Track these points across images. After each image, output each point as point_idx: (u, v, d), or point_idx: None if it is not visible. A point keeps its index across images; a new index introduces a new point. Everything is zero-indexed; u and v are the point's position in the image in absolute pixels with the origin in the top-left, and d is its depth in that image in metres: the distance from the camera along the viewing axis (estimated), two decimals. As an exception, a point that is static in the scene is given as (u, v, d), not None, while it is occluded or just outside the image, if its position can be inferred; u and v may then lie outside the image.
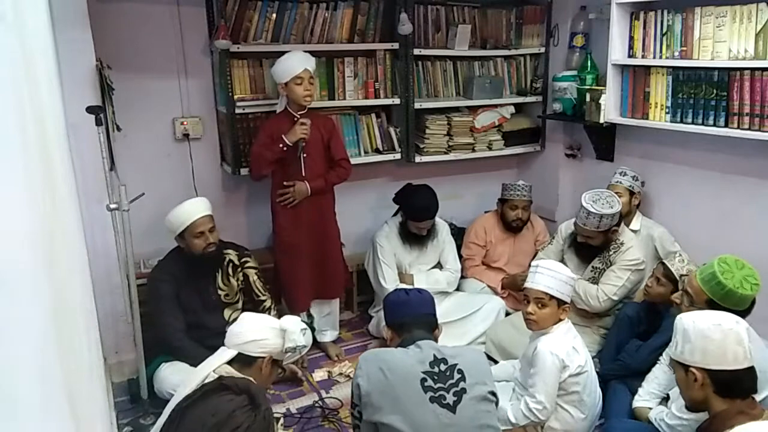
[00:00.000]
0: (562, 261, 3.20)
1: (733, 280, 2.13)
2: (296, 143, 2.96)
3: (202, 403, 1.36)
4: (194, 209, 2.81)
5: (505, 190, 3.62)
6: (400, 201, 3.43)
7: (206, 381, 1.88)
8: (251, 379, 1.78)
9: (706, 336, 1.75)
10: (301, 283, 3.17)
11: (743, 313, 2.10)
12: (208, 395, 1.38)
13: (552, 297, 2.35)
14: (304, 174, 3.03)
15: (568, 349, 2.34)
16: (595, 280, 3.07)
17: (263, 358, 2.03)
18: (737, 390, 1.75)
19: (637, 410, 2.44)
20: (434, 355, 1.92)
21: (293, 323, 2.09)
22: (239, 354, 2.04)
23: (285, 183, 3.03)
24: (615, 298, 2.98)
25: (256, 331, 2.05)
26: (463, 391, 1.88)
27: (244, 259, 3.01)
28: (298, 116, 2.98)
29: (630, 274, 2.97)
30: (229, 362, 2.02)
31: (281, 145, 2.93)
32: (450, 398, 1.87)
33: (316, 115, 3.09)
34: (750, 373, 1.76)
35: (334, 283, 3.32)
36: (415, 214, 3.34)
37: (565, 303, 2.39)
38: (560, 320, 2.39)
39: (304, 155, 3.00)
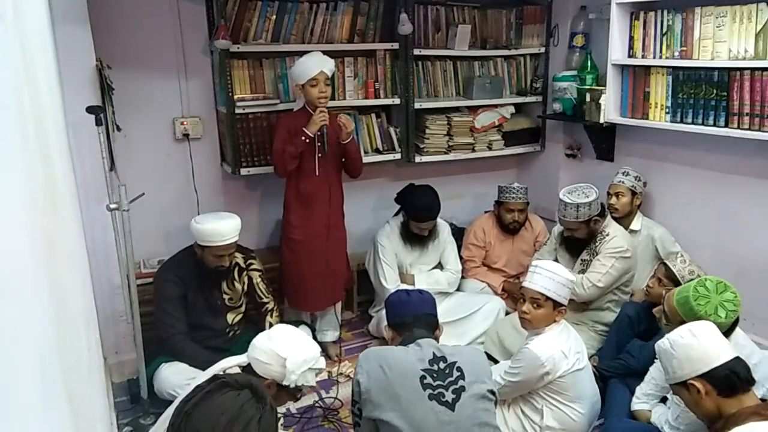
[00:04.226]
0: (556, 260, 3.21)
1: (706, 306, 2.10)
2: (316, 135, 2.96)
3: (206, 404, 1.33)
4: (226, 233, 2.75)
5: (501, 193, 3.61)
6: (402, 201, 3.43)
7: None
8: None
9: (683, 344, 1.84)
10: (305, 282, 3.16)
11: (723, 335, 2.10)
12: (211, 395, 1.35)
13: (548, 298, 2.34)
14: (317, 173, 3.03)
15: (556, 353, 2.30)
16: (584, 272, 3.08)
17: (266, 380, 1.91)
18: (737, 383, 1.77)
19: (636, 413, 2.44)
20: (434, 353, 1.93)
21: (300, 361, 1.91)
22: (250, 365, 1.97)
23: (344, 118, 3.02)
24: (600, 284, 2.98)
25: (263, 353, 1.92)
26: (462, 389, 1.89)
27: (249, 262, 3.00)
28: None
29: (615, 261, 2.98)
30: (243, 368, 1.97)
31: (303, 138, 2.93)
32: (449, 396, 1.87)
33: (330, 116, 3.09)
34: (740, 361, 1.80)
35: (337, 285, 3.31)
36: (418, 215, 3.34)
37: (562, 305, 2.37)
38: (554, 321, 2.38)
39: (319, 145, 2.98)
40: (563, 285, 2.35)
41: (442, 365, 1.91)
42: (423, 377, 1.88)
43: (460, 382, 1.90)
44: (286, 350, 1.91)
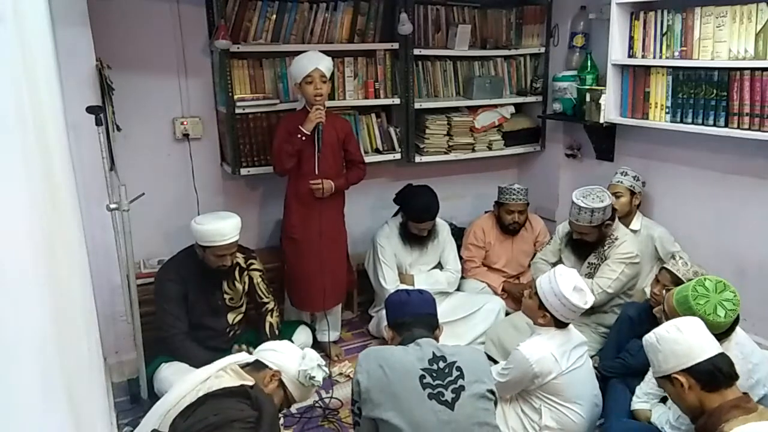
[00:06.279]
0: (560, 260, 3.21)
1: (705, 305, 2.10)
2: (314, 133, 2.95)
3: (220, 399, 1.42)
4: (227, 233, 2.75)
5: (501, 194, 3.61)
6: (400, 202, 3.42)
7: (211, 375, 1.90)
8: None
9: (668, 338, 1.87)
10: (309, 282, 3.16)
11: (723, 335, 2.11)
12: (231, 394, 1.43)
13: (536, 293, 2.38)
14: (317, 172, 3.02)
15: (546, 355, 2.29)
16: (591, 276, 3.08)
17: (272, 370, 2.03)
18: (720, 378, 1.79)
19: (635, 412, 2.45)
20: (433, 353, 1.94)
21: (315, 356, 2.16)
22: (256, 360, 2.08)
23: (312, 182, 3.01)
24: (609, 291, 2.99)
25: (281, 345, 2.17)
26: (462, 388, 1.90)
27: (249, 261, 3.00)
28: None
29: (624, 267, 2.99)
30: (245, 366, 2.04)
31: (299, 135, 2.94)
32: (448, 395, 1.88)
33: (332, 116, 3.08)
34: (724, 357, 1.83)
35: (339, 287, 3.31)
36: (416, 215, 3.34)
37: (547, 310, 2.35)
38: (542, 324, 2.38)
39: (320, 146, 2.98)
40: (551, 289, 2.33)
41: (441, 365, 1.92)
42: (422, 377, 1.88)
43: (460, 382, 1.90)
44: (302, 350, 2.18)
